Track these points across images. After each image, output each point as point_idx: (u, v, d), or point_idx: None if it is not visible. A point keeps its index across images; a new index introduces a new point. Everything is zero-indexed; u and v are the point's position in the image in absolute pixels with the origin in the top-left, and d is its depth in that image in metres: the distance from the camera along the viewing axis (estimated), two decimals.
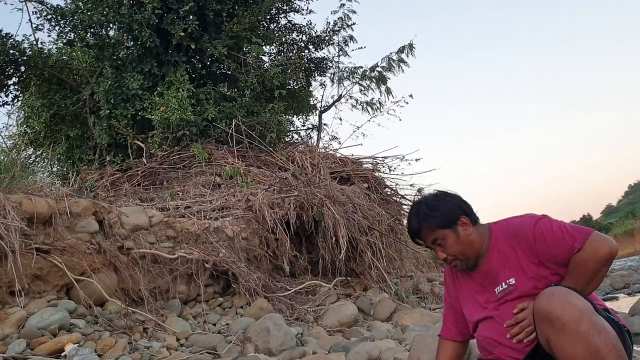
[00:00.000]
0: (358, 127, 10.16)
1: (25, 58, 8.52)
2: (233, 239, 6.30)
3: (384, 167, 8.72)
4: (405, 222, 8.55)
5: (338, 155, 8.79)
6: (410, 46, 10.88)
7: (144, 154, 8.02)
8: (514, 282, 2.12)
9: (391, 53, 10.92)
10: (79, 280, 4.44)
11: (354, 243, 7.11)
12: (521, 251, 2.12)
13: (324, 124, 11.30)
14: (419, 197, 2.75)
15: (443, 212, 2.22)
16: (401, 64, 10.89)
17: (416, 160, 8.69)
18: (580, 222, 41.24)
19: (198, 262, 5.65)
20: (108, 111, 7.95)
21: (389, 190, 8.55)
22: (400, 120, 10.57)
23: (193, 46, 8.24)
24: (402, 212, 8.41)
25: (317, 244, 7.09)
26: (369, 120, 10.39)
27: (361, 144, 11.34)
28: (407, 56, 10.89)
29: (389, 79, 11.07)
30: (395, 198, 8.51)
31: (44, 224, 4.52)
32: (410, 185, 8.54)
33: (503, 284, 2.15)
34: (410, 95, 10.42)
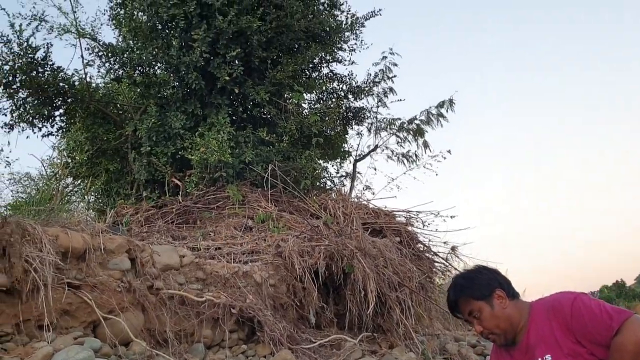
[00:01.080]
0: (393, 179, 10.11)
1: (73, 91, 8.81)
2: (261, 285, 6.26)
3: (417, 221, 8.61)
4: (436, 279, 8.39)
5: (371, 206, 8.73)
6: (451, 101, 10.88)
7: (180, 192, 8.10)
8: (549, 358, 2.08)
9: (430, 107, 10.93)
10: (106, 318, 4.45)
11: (383, 298, 6.97)
12: (558, 327, 2.09)
13: (358, 172, 11.29)
14: (458, 271, 2.85)
15: (479, 283, 2.27)
16: (440, 118, 10.87)
17: (451, 217, 8.56)
18: (613, 287, 39.80)
19: (225, 306, 5.60)
20: (149, 148, 8.11)
21: (422, 246, 8.41)
22: (436, 174, 10.42)
23: (236, 90, 8.40)
24: (434, 269, 8.25)
25: (345, 297, 6.98)
26: (404, 173, 10.32)
27: (395, 197, 11.18)
28: (447, 111, 10.88)
29: (427, 132, 11.05)
30: (427, 254, 8.36)
31: (78, 258, 4.55)
32: (444, 242, 8.37)
33: (539, 359, 2.11)
34: (449, 151, 10.33)
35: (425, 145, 10.59)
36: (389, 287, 7.11)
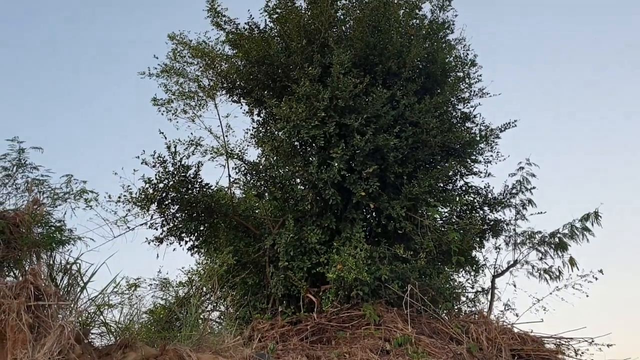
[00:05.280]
0: (538, 300, 9.31)
1: (217, 206, 9.32)
2: None
3: (569, 349, 7.79)
4: None
5: (515, 330, 8.07)
6: (596, 214, 10.11)
7: (314, 308, 8.05)
8: None
9: (574, 220, 10.21)
10: None
11: None
12: None
13: (496, 289, 10.59)
14: None
15: None
16: (585, 232, 10.10)
17: (608, 345, 7.67)
18: None
19: None
20: (286, 262, 8.25)
21: None
22: (587, 296, 9.44)
23: (372, 205, 8.43)
24: None
25: None
26: (550, 293, 9.48)
27: (542, 320, 10.04)
28: (592, 225, 10.10)
29: (570, 246, 10.26)
30: None
31: None
32: None
33: None
34: (600, 271, 9.37)
35: (572, 262, 9.76)
36: None
